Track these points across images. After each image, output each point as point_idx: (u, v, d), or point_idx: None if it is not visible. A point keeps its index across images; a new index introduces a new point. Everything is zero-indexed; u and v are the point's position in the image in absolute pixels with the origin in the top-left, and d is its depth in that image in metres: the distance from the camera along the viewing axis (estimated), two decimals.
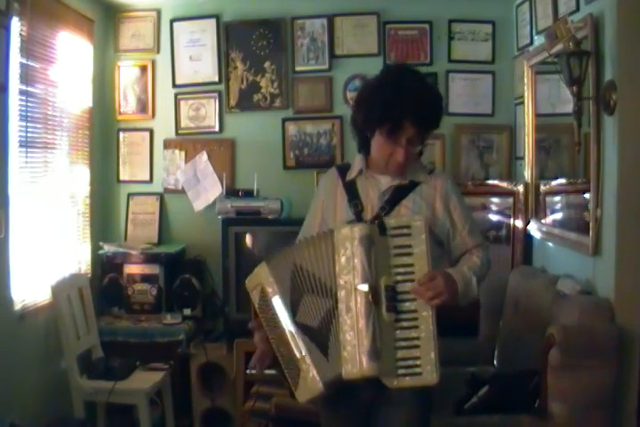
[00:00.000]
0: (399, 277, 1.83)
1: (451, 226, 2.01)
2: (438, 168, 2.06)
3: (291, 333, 1.84)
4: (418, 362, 1.78)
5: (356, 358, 1.75)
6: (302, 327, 1.83)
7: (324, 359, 1.79)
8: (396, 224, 1.85)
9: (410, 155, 1.95)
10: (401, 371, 1.78)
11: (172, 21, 4.07)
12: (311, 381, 1.79)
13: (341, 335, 1.78)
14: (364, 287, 1.78)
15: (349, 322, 1.77)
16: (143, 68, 4.11)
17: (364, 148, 2.05)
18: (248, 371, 3.35)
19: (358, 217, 1.97)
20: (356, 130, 2.06)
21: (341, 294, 1.80)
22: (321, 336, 1.81)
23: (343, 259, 1.81)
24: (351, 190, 2.03)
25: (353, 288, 1.79)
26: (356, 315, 1.77)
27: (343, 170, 2.09)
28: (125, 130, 4.14)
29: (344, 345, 1.77)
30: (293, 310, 1.84)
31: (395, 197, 1.98)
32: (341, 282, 1.81)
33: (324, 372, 1.78)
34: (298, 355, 1.81)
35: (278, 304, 1.86)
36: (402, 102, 1.88)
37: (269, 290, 1.88)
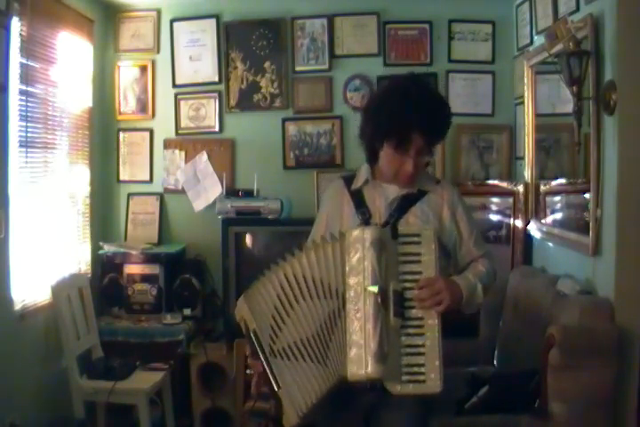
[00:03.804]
0: (407, 284, 1.83)
1: (457, 236, 2.02)
2: (444, 179, 2.07)
3: (264, 368, 1.83)
4: (422, 369, 1.78)
5: (362, 359, 1.75)
6: (286, 350, 1.82)
7: (308, 380, 1.78)
8: (407, 232, 1.86)
9: (419, 165, 1.95)
10: (405, 377, 1.78)
11: (171, 21, 4.07)
12: (289, 412, 1.79)
13: (348, 336, 1.78)
14: (374, 288, 1.77)
15: (357, 323, 1.77)
16: (143, 68, 4.11)
17: (373, 158, 2.03)
18: (248, 371, 3.34)
19: (367, 224, 1.97)
20: (364, 141, 2.05)
21: (350, 294, 1.80)
22: (318, 341, 1.80)
23: (354, 260, 1.81)
24: (358, 199, 2.03)
25: (363, 289, 1.78)
26: (365, 316, 1.77)
27: (349, 180, 2.09)
28: (125, 130, 4.14)
29: (350, 346, 1.77)
30: (272, 340, 1.83)
31: (403, 205, 1.99)
32: (351, 282, 1.80)
33: (300, 403, 1.77)
34: (276, 387, 1.81)
35: (256, 338, 1.86)
36: (409, 115, 1.87)
37: (249, 324, 1.88)
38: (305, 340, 1.81)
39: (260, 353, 1.84)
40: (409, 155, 1.92)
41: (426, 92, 1.94)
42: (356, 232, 1.83)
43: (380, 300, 1.76)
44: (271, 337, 1.84)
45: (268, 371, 1.82)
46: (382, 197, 2.01)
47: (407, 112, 1.87)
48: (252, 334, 1.86)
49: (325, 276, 1.83)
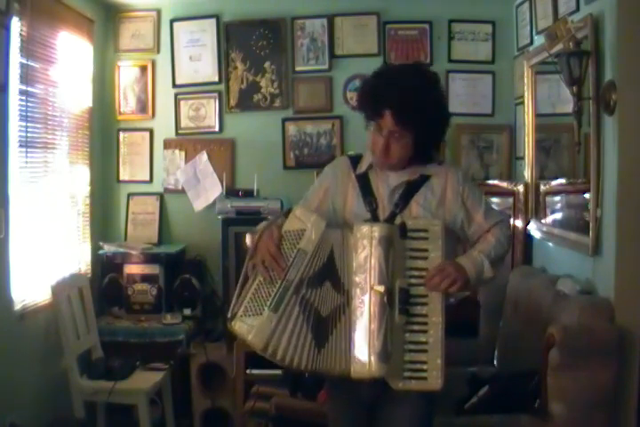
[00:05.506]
0: (413, 281, 1.83)
1: (466, 215, 1.98)
2: (448, 161, 2.04)
3: (280, 286, 1.81)
4: (424, 367, 1.79)
5: (365, 358, 1.75)
6: (302, 301, 1.80)
7: (297, 337, 1.78)
8: (414, 227, 1.84)
9: (390, 150, 1.91)
10: (407, 374, 1.79)
11: (171, 21, 4.07)
12: (253, 331, 1.82)
13: (352, 333, 1.78)
14: (381, 288, 1.77)
15: (362, 321, 1.77)
16: (143, 68, 4.11)
17: None
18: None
19: (374, 214, 1.95)
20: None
21: (356, 292, 1.79)
22: (325, 326, 1.79)
23: (361, 257, 1.80)
24: (364, 185, 2.00)
25: (369, 288, 1.78)
26: (370, 315, 1.77)
27: (355, 161, 2.06)
28: (125, 130, 4.14)
29: (354, 344, 1.77)
30: (305, 284, 1.81)
31: (406, 194, 1.96)
32: (357, 280, 1.80)
33: (265, 336, 1.80)
34: (265, 305, 1.80)
35: (300, 260, 1.82)
36: (384, 91, 1.88)
37: (307, 245, 1.82)
38: (318, 315, 1.80)
39: (296, 279, 1.81)
40: (382, 134, 1.91)
41: (414, 76, 1.92)
42: (364, 228, 1.81)
43: (385, 299, 1.76)
44: (307, 277, 1.81)
45: (282, 289, 1.80)
46: (385, 185, 1.98)
47: (383, 88, 1.89)
48: (300, 252, 1.82)
49: (339, 268, 1.82)
